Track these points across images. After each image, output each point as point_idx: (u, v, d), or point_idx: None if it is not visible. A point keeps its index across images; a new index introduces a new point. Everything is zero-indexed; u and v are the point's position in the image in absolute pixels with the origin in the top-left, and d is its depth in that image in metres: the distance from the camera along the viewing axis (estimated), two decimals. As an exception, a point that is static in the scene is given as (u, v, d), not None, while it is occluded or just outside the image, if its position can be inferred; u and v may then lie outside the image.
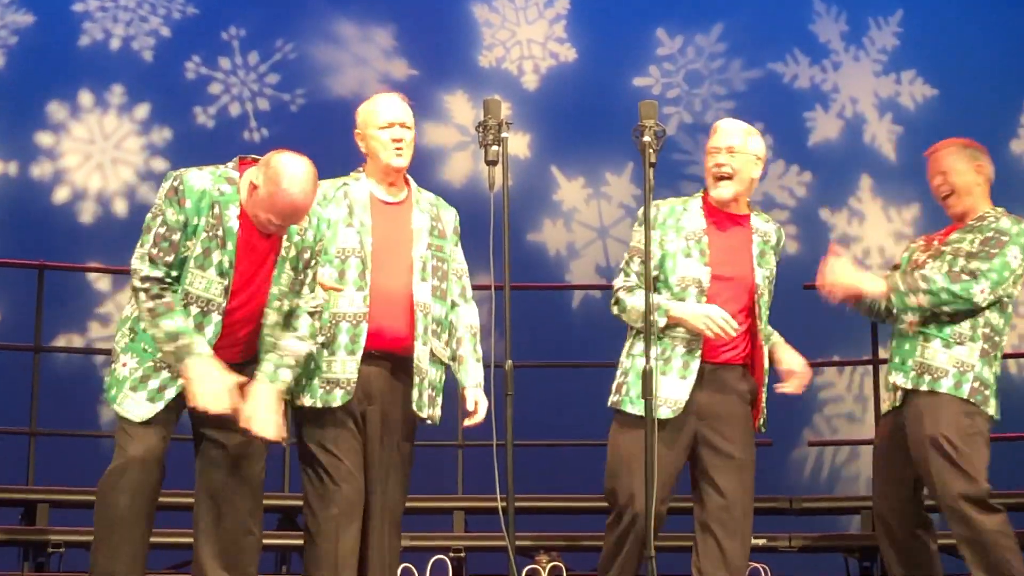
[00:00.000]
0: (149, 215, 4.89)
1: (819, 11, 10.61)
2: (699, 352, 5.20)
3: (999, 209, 5.54)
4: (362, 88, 10.24)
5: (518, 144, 10.20)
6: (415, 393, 5.13)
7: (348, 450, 5.08)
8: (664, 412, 5.14)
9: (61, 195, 9.80)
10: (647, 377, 4.90)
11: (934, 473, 5.27)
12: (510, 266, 5.04)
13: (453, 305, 5.31)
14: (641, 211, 5.32)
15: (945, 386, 5.29)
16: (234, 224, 4.84)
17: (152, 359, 4.86)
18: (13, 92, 9.78)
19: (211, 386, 4.75)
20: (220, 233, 4.82)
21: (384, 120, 5.21)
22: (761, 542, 7.29)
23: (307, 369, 5.08)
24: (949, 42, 10.45)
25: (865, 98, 10.46)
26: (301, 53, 10.30)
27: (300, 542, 7.18)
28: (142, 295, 4.80)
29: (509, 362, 4.92)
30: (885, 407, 5.53)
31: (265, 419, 4.86)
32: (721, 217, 5.36)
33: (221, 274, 4.84)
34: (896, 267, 5.68)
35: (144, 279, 4.80)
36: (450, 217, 5.39)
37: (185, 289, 4.84)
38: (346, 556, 5.06)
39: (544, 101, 10.44)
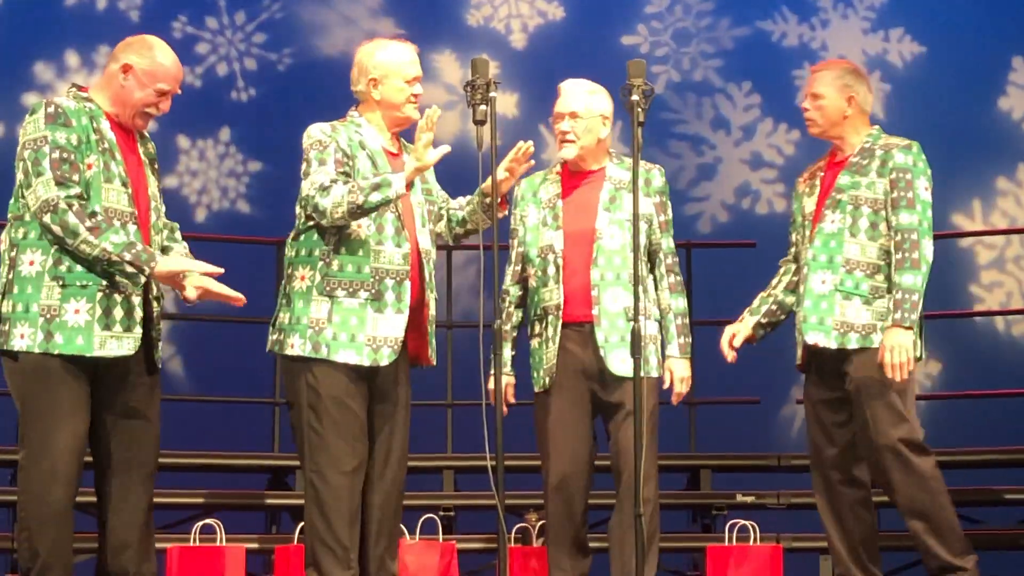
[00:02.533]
0: (29, 153, 4.81)
1: (807, -32, 10.59)
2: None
3: (874, 131, 5.41)
4: (349, 47, 10.17)
5: (506, 103, 10.17)
6: (434, 342, 5.19)
7: (360, 409, 5.06)
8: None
9: (48, 156, 9.76)
10: (635, 336, 4.90)
11: (871, 418, 5.26)
12: (498, 227, 5.05)
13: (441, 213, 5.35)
14: (516, 191, 5.48)
15: (876, 341, 5.25)
16: (112, 135, 4.89)
17: (98, 288, 4.72)
18: (-1, 53, 9.73)
19: (197, 264, 4.77)
20: (107, 145, 4.86)
21: (411, 75, 5.24)
22: (750, 499, 7.33)
23: (346, 325, 5.02)
24: (937, -1, 10.43)
25: (853, 56, 10.42)
26: (288, 12, 10.26)
27: (290, 502, 7.24)
28: (71, 218, 4.65)
29: (497, 322, 4.92)
30: (799, 362, 5.48)
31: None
32: (576, 178, 5.46)
33: (123, 184, 4.84)
34: (792, 222, 5.58)
35: (67, 200, 4.67)
36: None
37: (103, 206, 4.77)
38: (356, 514, 5.04)
39: (532, 60, 10.40)
